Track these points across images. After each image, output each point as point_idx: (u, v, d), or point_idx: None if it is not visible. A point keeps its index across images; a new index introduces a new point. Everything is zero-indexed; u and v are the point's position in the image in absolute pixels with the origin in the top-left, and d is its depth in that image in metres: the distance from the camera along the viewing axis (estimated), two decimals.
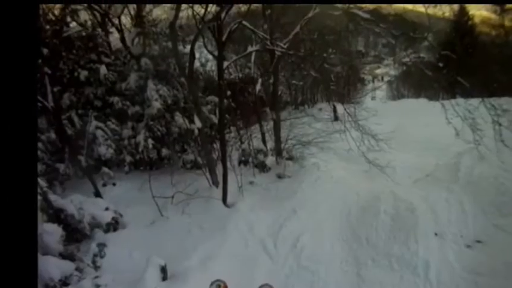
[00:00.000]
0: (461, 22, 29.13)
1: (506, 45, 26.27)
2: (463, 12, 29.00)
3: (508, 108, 7.77)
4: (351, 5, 8.57)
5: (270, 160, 10.57)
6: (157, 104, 9.84)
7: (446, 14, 14.19)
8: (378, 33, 9.62)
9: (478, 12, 30.23)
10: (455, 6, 25.43)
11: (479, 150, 8.64)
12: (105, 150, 9.72)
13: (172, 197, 8.72)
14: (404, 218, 7.60)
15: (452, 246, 6.90)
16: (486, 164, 8.90)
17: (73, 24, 10.67)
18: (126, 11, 11.43)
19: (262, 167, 10.52)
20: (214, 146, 10.56)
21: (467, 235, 7.16)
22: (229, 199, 8.92)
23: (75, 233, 7.06)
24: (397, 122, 15.56)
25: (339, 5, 9.36)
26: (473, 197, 8.03)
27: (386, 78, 53.02)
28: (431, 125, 12.85)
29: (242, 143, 11.64)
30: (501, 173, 8.39)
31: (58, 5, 10.12)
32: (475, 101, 8.25)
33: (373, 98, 38.20)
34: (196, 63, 11.43)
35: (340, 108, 13.37)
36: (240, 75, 16.17)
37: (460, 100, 9.36)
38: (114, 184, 9.95)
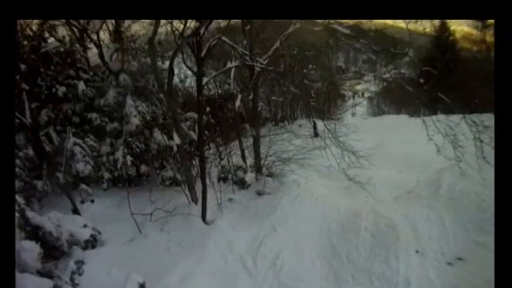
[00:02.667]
0: (443, 38, 29.73)
1: (487, 60, 26.88)
2: (444, 28, 29.55)
3: (490, 125, 7.77)
4: (331, 21, 8.58)
5: (249, 177, 10.50)
6: (135, 120, 9.76)
7: (427, 30, 14.41)
8: (359, 48, 9.67)
9: (460, 27, 30.83)
10: (436, 22, 25.87)
11: (461, 167, 8.62)
12: (83, 167, 9.50)
13: (151, 214, 8.55)
14: (385, 235, 7.60)
15: (433, 263, 6.87)
16: (467, 180, 8.95)
17: (51, 39, 10.56)
18: (104, 26, 11.37)
19: (242, 184, 10.42)
20: (194, 162, 10.42)
21: (448, 252, 7.15)
22: (208, 216, 8.79)
23: (53, 251, 6.87)
24: (377, 138, 15.72)
25: (319, 21, 9.37)
26: (454, 214, 8.07)
27: (366, 94, 53.91)
28: (412, 142, 13.02)
29: (221, 159, 11.59)
30: (482, 189, 8.40)
31: (36, 21, 9.96)
32: (456, 117, 8.27)
33: (353, 115, 38.59)
34: (175, 79, 11.39)
35: (320, 124, 13.44)
36: (220, 91, 16.23)
37: (441, 116, 9.37)
38: (92, 201, 9.71)
